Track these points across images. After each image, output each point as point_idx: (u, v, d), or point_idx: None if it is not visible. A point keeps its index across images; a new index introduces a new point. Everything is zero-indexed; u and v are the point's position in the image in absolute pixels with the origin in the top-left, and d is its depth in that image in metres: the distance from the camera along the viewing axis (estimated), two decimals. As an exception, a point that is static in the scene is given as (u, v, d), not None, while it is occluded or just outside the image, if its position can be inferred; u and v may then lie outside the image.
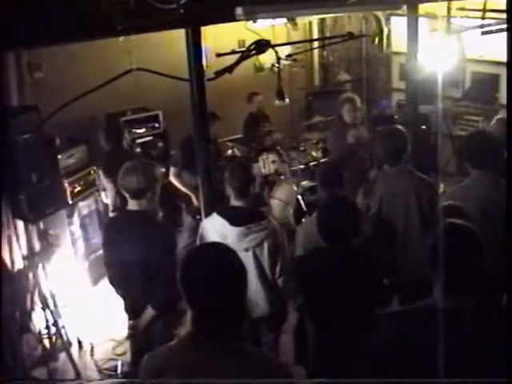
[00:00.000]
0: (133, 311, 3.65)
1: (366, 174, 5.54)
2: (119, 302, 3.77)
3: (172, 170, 5.78)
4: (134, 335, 3.67)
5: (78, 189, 5.55)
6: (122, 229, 3.60)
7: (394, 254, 3.92)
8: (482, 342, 2.02)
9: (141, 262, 3.42)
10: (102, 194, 5.77)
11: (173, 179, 5.76)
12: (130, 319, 3.69)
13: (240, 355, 1.95)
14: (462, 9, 6.26)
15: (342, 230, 3.22)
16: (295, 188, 6.17)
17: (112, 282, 3.71)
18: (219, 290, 1.93)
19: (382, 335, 2.21)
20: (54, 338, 4.60)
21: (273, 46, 3.86)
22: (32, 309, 4.53)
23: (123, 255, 3.49)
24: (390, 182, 4.02)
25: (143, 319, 3.53)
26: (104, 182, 5.61)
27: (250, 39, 4.24)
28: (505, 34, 4.64)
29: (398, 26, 7.34)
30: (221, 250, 2.07)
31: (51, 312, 4.49)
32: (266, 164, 6.45)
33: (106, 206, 5.84)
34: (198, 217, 4.62)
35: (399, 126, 4.35)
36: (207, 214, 3.84)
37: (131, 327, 3.67)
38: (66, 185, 5.23)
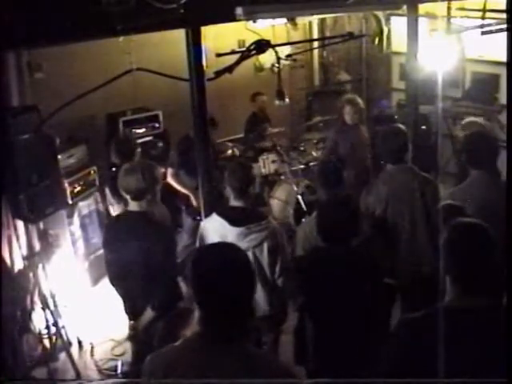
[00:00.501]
0: (133, 312, 3.65)
1: (366, 173, 5.53)
2: (119, 302, 3.78)
3: (169, 170, 5.75)
4: (135, 336, 3.67)
5: (78, 189, 5.53)
6: (123, 229, 3.60)
7: (400, 254, 3.91)
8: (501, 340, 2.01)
9: (141, 262, 3.43)
10: (110, 208, 5.65)
11: (170, 180, 5.73)
12: (130, 320, 3.69)
13: (242, 355, 1.94)
14: (462, 9, 6.27)
15: (341, 230, 3.21)
16: (295, 188, 6.16)
17: (112, 283, 3.71)
18: (229, 291, 1.91)
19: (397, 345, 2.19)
20: (54, 338, 4.59)
21: (273, 46, 3.86)
22: (32, 309, 4.52)
23: (123, 256, 3.50)
24: (394, 180, 4.00)
25: (143, 320, 3.53)
26: (112, 200, 5.31)
27: (250, 39, 4.25)
28: (505, 34, 4.65)
29: (397, 26, 7.35)
30: (231, 250, 2.05)
31: (51, 312, 4.48)
32: (266, 164, 6.44)
33: (106, 207, 5.78)
34: (198, 217, 4.61)
35: (400, 125, 4.35)
36: (207, 215, 3.85)
37: (132, 328, 3.67)
38: (66, 185, 5.21)
